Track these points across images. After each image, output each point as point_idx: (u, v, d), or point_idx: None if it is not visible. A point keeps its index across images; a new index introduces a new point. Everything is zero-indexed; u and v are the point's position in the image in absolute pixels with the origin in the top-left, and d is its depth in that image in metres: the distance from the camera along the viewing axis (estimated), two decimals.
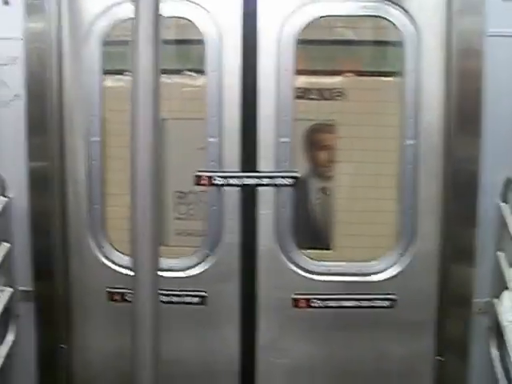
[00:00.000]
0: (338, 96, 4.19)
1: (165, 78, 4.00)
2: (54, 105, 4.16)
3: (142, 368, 2.06)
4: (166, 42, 4.06)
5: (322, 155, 4.28)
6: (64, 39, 4.18)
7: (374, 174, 4.24)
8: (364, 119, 4.21)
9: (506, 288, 3.90)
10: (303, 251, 4.24)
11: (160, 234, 3.99)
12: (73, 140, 4.25)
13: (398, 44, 4.08)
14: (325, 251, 4.29)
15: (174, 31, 4.26)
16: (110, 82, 4.25)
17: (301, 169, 4.24)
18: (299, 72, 4.15)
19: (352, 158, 4.24)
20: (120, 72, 4.25)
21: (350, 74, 4.21)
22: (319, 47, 4.31)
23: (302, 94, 4.19)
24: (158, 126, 1.96)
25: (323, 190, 4.33)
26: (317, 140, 4.27)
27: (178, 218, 4.34)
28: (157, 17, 1.91)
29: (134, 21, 1.92)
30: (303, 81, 4.19)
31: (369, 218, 4.25)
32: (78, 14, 4.17)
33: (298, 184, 4.19)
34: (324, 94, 4.20)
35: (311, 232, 4.38)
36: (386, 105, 4.19)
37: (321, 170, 4.30)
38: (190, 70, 4.26)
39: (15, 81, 4.12)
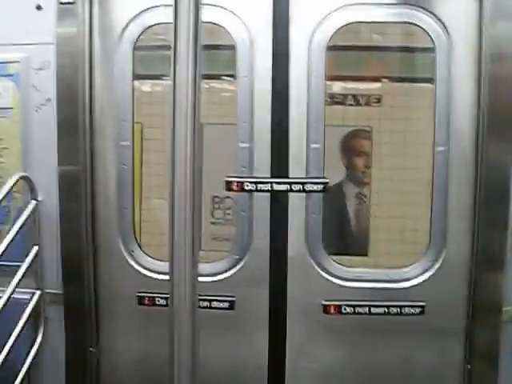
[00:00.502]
0: (375, 102, 4.17)
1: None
2: (85, 109, 4.18)
3: (179, 376, 2.05)
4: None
5: (358, 161, 4.24)
6: (95, 44, 4.19)
7: (406, 179, 4.22)
8: (399, 125, 4.18)
9: None
10: (339, 257, 4.24)
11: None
12: (103, 144, 4.27)
13: (431, 50, 4.05)
14: (360, 257, 4.27)
15: (207, 37, 4.24)
16: (142, 86, 4.26)
17: (337, 174, 4.23)
18: (333, 78, 4.15)
19: (386, 163, 4.22)
20: (151, 77, 4.28)
21: (386, 80, 4.18)
22: (353, 53, 4.28)
23: (339, 100, 4.17)
24: (198, 133, 1.93)
25: (359, 196, 4.29)
26: (353, 146, 4.24)
27: (214, 223, 4.32)
28: (197, 22, 1.89)
29: (174, 26, 1.90)
30: (338, 86, 4.19)
31: (402, 224, 4.22)
32: (109, 18, 4.19)
33: (335, 189, 4.22)
34: (360, 99, 4.17)
35: (347, 238, 4.35)
36: (419, 111, 4.16)
37: (357, 175, 4.27)
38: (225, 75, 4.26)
39: (47, 85, 4.15)
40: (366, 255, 4.27)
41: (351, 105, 4.21)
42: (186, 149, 1.93)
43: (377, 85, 4.21)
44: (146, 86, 4.30)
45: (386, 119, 4.19)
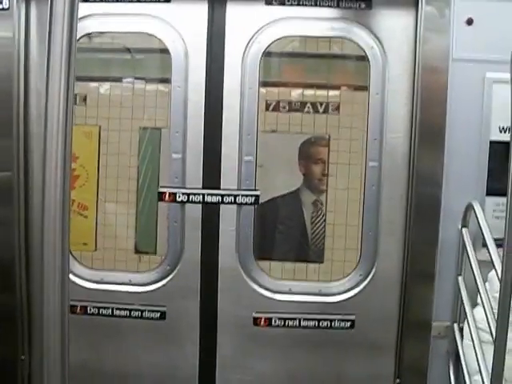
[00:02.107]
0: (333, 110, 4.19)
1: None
2: (19, 114, 4.14)
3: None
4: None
5: (316, 168, 4.25)
6: (32, 48, 4.16)
7: (345, 188, 4.23)
8: (344, 133, 4.21)
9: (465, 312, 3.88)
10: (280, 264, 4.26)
11: None
12: (39, 150, 4.23)
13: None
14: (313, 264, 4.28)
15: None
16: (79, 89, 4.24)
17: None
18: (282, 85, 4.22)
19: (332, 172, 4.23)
20: (93, 79, 4.28)
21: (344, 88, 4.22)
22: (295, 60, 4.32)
23: (296, 107, 4.21)
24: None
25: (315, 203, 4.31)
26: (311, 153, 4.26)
27: None
28: (72, 36, 1.87)
29: (48, 38, 1.88)
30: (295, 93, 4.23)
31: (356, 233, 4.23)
32: (46, 22, 4.15)
33: (292, 196, 4.24)
34: (319, 107, 4.19)
35: (298, 245, 4.36)
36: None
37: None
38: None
39: None
40: (321, 262, 4.27)
41: (308, 112, 4.20)
42: (56, 157, 1.91)
43: (334, 93, 4.21)
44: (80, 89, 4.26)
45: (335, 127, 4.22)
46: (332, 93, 4.20)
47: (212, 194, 4.09)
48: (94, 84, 4.30)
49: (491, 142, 3.98)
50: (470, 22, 3.90)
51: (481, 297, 3.55)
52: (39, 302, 1.94)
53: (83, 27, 4.14)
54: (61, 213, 1.90)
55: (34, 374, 4.34)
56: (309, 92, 4.21)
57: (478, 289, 3.60)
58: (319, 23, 4.08)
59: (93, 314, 4.24)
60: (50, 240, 1.92)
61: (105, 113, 4.27)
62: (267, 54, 4.11)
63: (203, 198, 4.10)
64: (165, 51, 4.12)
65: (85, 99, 4.26)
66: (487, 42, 3.91)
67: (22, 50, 4.12)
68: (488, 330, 3.38)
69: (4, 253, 4.19)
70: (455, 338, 4.04)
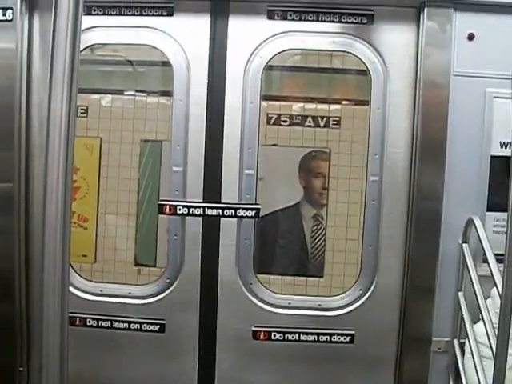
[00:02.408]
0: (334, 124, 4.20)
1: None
2: (21, 126, 4.14)
3: None
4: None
5: (316, 182, 4.26)
6: (34, 60, 4.16)
7: (346, 202, 4.24)
8: (345, 147, 4.21)
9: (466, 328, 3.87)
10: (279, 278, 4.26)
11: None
12: (40, 162, 4.22)
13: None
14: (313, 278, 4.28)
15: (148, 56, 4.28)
16: (80, 101, 4.25)
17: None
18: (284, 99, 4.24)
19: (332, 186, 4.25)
20: (95, 91, 4.28)
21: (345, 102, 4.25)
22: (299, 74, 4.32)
23: (298, 121, 4.22)
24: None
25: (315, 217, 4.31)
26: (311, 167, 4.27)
27: None
28: (75, 50, 1.88)
29: (51, 51, 1.89)
30: (296, 107, 4.25)
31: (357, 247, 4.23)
32: (49, 34, 4.16)
33: (292, 210, 4.25)
34: (319, 121, 4.21)
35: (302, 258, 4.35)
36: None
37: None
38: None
39: None
40: (321, 277, 4.27)
41: (309, 126, 4.21)
42: (58, 166, 1.91)
43: (335, 107, 4.22)
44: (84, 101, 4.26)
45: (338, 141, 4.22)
46: (333, 107, 4.22)
47: (212, 207, 4.09)
48: (95, 96, 4.31)
49: (492, 157, 3.99)
50: (471, 37, 3.91)
51: (481, 312, 3.54)
52: (39, 312, 1.95)
53: (85, 39, 4.15)
54: (62, 224, 1.90)
55: None
56: (310, 106, 4.22)
57: (478, 304, 3.59)
58: (321, 37, 4.10)
59: (92, 326, 4.23)
60: (50, 251, 1.92)
61: (106, 125, 4.28)
62: (269, 67, 4.12)
63: (204, 210, 4.10)
64: (167, 64, 4.14)
65: (86, 111, 4.26)
66: (488, 58, 3.92)
67: (25, 61, 4.12)
68: (489, 344, 3.37)
69: (4, 263, 4.19)
70: (455, 353, 4.03)
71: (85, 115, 4.27)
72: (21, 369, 4.32)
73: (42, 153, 3.98)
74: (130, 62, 4.33)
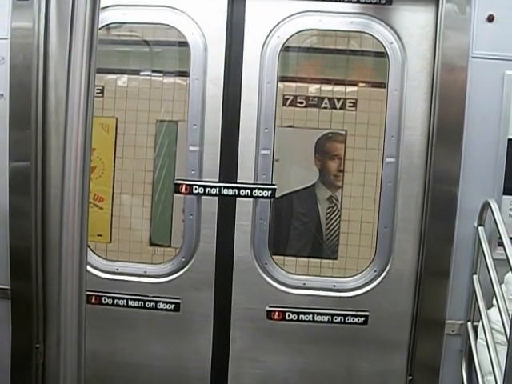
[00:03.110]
0: (350, 106, 4.20)
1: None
2: (38, 105, 4.16)
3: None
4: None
5: (332, 164, 4.27)
6: (51, 39, 4.16)
7: (361, 184, 4.24)
8: (361, 130, 4.21)
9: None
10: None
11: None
12: (57, 141, 4.25)
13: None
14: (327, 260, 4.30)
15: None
16: (96, 81, 4.24)
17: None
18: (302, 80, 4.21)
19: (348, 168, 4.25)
20: (111, 71, 4.29)
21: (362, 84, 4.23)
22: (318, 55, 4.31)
23: (314, 102, 4.21)
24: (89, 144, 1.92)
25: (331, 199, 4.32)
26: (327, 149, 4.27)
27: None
28: (94, 28, 1.87)
29: (70, 29, 1.88)
30: (313, 89, 4.23)
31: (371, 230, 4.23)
32: (67, 13, 4.16)
33: (307, 192, 4.26)
34: (336, 103, 4.21)
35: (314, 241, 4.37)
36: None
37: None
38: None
39: (0, 80, 4.12)
40: (335, 259, 4.28)
41: (325, 108, 4.20)
42: (76, 154, 1.92)
43: (352, 89, 4.21)
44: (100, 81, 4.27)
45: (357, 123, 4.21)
46: (349, 89, 4.20)
47: (228, 187, 4.10)
48: (111, 76, 4.32)
49: (509, 140, 3.96)
50: (490, 19, 3.88)
51: (496, 297, 3.54)
52: (56, 290, 1.96)
53: (102, 18, 4.13)
54: (80, 202, 1.91)
55: (49, 363, 4.37)
56: (326, 88, 4.21)
57: (493, 288, 3.59)
58: (339, 18, 4.07)
59: (107, 304, 4.26)
60: (68, 229, 1.94)
61: (122, 105, 4.28)
62: (286, 48, 4.11)
63: (219, 190, 4.11)
64: (183, 44, 4.13)
65: (102, 91, 4.27)
66: (508, 40, 3.89)
67: (42, 40, 4.12)
68: (502, 331, 3.37)
69: (20, 242, 4.23)
70: (468, 336, 4.03)
71: (101, 95, 4.28)
72: (37, 346, 4.35)
73: (58, 132, 4.05)
74: (147, 42, 4.32)
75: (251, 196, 4.11)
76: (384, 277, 4.15)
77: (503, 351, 3.17)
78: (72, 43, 1.86)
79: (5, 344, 4.33)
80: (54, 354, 2.03)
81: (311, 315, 4.18)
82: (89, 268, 4.21)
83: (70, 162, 1.91)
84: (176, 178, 4.21)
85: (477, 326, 3.98)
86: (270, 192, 4.11)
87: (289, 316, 4.19)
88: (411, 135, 4.05)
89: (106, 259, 4.30)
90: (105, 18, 4.13)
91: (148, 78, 4.29)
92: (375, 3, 4.02)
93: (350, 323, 4.18)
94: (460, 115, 3.93)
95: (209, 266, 4.21)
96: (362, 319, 4.17)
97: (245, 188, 4.10)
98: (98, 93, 4.25)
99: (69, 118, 1.90)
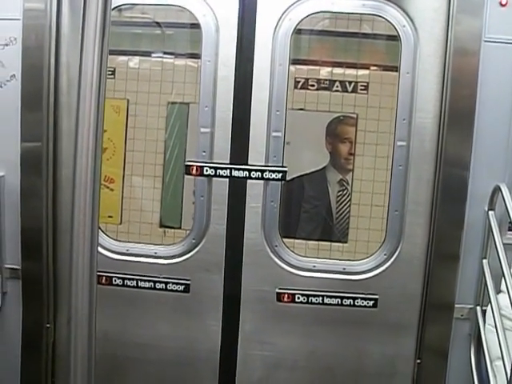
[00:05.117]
0: (362, 89, 4.20)
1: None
2: (50, 86, 4.17)
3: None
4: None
5: (343, 147, 4.27)
6: (63, 20, 4.16)
7: (372, 168, 4.24)
8: (372, 113, 4.21)
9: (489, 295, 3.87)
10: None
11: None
12: (69, 122, 4.26)
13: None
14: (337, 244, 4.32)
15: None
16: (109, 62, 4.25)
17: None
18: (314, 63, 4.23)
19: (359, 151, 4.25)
20: (122, 53, 4.29)
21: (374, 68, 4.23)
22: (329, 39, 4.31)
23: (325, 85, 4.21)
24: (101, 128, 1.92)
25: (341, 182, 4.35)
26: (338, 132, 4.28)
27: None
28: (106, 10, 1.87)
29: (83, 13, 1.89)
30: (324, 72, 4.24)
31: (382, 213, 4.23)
32: None
33: (318, 175, 4.29)
34: (347, 86, 4.21)
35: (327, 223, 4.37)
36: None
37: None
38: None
39: (12, 61, 4.14)
40: (346, 242, 4.30)
41: (336, 91, 4.19)
42: (87, 142, 1.92)
43: (364, 72, 4.21)
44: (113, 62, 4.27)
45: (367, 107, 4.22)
46: (361, 72, 4.19)
47: (239, 169, 4.10)
48: (123, 58, 4.32)
49: None
50: (503, 3, 3.85)
51: (506, 281, 3.54)
52: (67, 271, 1.98)
53: (114, 0, 4.15)
54: (92, 183, 1.93)
55: (59, 342, 4.40)
56: (338, 71, 4.20)
57: (502, 273, 3.59)
58: (351, 0, 4.06)
59: (118, 285, 4.29)
60: (80, 209, 1.95)
61: (133, 87, 4.29)
62: (297, 31, 4.09)
63: (230, 172, 4.11)
64: (195, 26, 4.12)
65: (113, 73, 4.28)
66: None
67: (54, 21, 4.12)
68: (511, 316, 3.38)
69: (32, 223, 4.25)
70: (477, 320, 4.03)
71: (112, 77, 4.28)
72: (48, 325, 4.39)
73: (70, 113, 4.06)
74: (158, 24, 4.31)
75: (262, 178, 4.11)
76: (394, 260, 4.14)
77: (511, 337, 3.18)
78: (85, 25, 1.87)
79: (16, 323, 4.36)
80: (65, 333, 2.05)
81: (321, 298, 4.19)
82: (99, 249, 4.21)
83: (81, 142, 1.91)
84: (187, 159, 4.20)
85: (486, 311, 3.97)
86: (280, 174, 4.11)
87: (298, 298, 4.20)
88: (423, 118, 4.04)
89: (116, 240, 4.30)
90: None
91: (159, 59, 4.29)
92: None
93: (360, 306, 4.19)
94: (472, 99, 3.91)
95: (219, 247, 4.22)
96: (371, 302, 4.17)
97: (256, 170, 4.10)
98: (109, 74, 4.25)
99: (81, 99, 1.91)
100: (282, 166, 4.12)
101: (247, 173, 4.11)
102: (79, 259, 2.02)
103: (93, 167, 1.95)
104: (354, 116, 4.19)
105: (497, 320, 3.64)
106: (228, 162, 4.14)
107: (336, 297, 4.19)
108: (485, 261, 4.00)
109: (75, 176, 1.94)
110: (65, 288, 4.23)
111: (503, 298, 3.67)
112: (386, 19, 4.03)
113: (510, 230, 3.89)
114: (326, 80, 4.21)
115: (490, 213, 3.95)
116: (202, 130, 4.14)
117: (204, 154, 4.16)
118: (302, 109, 4.20)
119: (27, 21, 4.09)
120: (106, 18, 1.88)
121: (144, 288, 4.27)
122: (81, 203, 1.97)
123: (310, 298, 4.20)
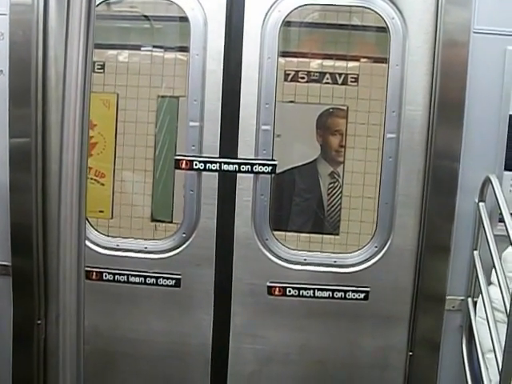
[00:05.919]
0: (352, 81, 4.19)
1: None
2: (38, 81, 4.13)
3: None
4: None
5: (333, 140, 4.27)
6: (51, 15, 4.13)
7: (362, 160, 4.23)
8: (362, 105, 4.20)
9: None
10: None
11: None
12: (57, 117, 4.22)
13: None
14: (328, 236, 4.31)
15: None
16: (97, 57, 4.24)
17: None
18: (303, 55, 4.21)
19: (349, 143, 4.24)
20: (111, 47, 4.27)
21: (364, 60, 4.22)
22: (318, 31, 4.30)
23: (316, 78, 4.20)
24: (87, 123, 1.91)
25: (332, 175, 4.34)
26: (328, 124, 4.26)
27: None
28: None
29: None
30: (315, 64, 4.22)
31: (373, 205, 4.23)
32: None
33: (309, 167, 4.29)
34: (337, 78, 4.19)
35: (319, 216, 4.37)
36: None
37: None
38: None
39: (0, 56, 4.09)
40: (337, 234, 4.30)
41: (327, 83, 4.18)
42: (73, 137, 1.91)
43: (354, 64, 4.20)
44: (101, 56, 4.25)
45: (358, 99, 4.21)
46: (351, 64, 4.18)
47: (229, 163, 4.09)
48: (112, 52, 4.30)
49: (511, 116, 3.94)
50: None
51: (496, 273, 3.54)
52: (55, 266, 1.97)
53: None
54: (78, 177, 1.92)
55: (50, 338, 4.38)
56: (328, 63, 4.19)
57: (493, 264, 3.59)
58: None
59: (108, 280, 4.27)
60: (67, 204, 1.94)
61: (123, 81, 4.27)
62: (287, 23, 4.08)
63: (220, 166, 4.10)
64: (184, 19, 4.10)
65: (103, 67, 4.25)
66: (510, 15, 3.86)
67: (41, 16, 4.08)
68: (502, 309, 3.37)
69: (21, 218, 4.23)
70: (469, 312, 4.03)
71: (101, 71, 4.26)
72: (39, 322, 4.37)
73: (58, 108, 3.99)
74: (147, 17, 4.29)
75: (252, 172, 4.10)
76: (385, 252, 4.14)
77: (502, 329, 3.18)
78: (69, 18, 1.85)
79: (6, 320, 4.34)
80: (54, 329, 2.04)
81: (312, 291, 4.19)
82: (90, 244, 4.23)
83: (67, 136, 1.91)
84: (176, 153, 4.18)
85: (477, 302, 3.98)
86: (270, 168, 4.10)
87: (289, 292, 4.20)
88: (412, 110, 4.03)
89: (107, 235, 4.28)
90: None
91: (149, 53, 4.27)
92: None
93: (351, 299, 4.19)
94: (461, 90, 3.91)
95: (209, 241, 4.21)
96: (362, 295, 4.17)
97: (245, 164, 4.09)
98: (98, 68, 4.24)
99: (66, 93, 1.90)
100: (272, 160, 4.11)
101: (237, 166, 4.10)
102: (66, 254, 2.02)
103: (79, 161, 1.94)
104: (345, 108, 4.18)
105: (488, 312, 3.64)
106: (218, 155, 4.11)
107: (327, 290, 4.19)
108: (476, 252, 4.00)
109: (61, 170, 1.93)
110: (53, 284, 4.23)
111: (494, 290, 3.66)
112: (374, 11, 4.00)
113: (500, 221, 3.88)
114: (316, 72, 4.19)
115: (481, 204, 3.94)
116: (191, 123, 4.12)
117: (193, 148, 4.14)
118: (292, 101, 4.19)
119: (14, 16, 4.05)
120: (91, 10, 1.87)
121: (135, 283, 4.25)
122: (67, 198, 1.96)
123: (301, 291, 4.19)
